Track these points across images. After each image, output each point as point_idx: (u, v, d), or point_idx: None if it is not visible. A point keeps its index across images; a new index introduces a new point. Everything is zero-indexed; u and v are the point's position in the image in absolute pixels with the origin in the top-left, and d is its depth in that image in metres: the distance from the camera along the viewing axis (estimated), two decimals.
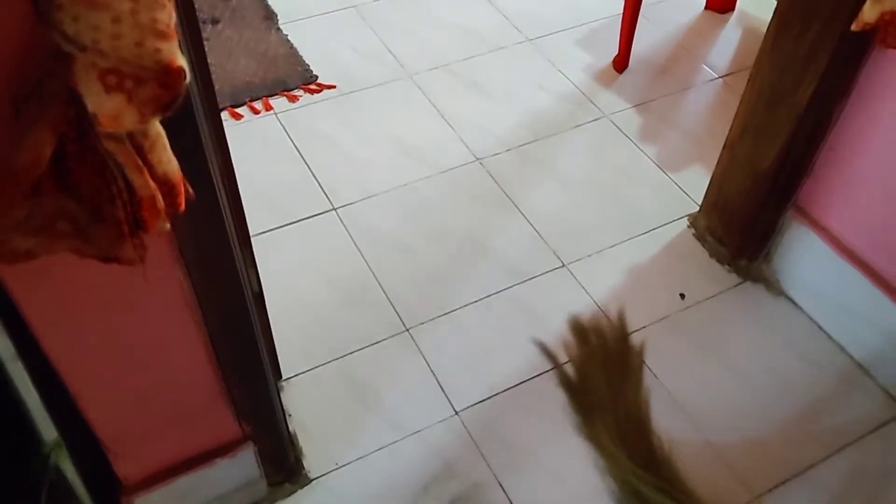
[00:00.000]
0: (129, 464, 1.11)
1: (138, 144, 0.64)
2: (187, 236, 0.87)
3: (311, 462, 1.39)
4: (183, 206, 0.72)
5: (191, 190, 0.74)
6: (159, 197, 0.68)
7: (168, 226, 0.70)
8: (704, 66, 2.23)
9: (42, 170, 0.62)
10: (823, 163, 1.50)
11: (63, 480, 1.01)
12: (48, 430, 0.94)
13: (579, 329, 1.20)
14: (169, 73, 0.58)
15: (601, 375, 1.21)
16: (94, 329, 0.88)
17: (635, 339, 1.34)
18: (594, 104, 2.10)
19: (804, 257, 1.60)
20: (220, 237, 0.91)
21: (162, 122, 0.67)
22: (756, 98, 1.50)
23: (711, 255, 1.75)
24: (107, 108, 0.59)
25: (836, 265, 1.53)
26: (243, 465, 1.24)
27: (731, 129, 1.61)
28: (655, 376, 1.53)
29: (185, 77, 0.60)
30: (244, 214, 1.17)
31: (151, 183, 0.67)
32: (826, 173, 1.51)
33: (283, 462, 1.33)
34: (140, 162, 0.65)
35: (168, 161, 0.68)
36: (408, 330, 1.60)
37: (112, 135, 0.62)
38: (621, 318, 1.48)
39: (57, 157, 0.64)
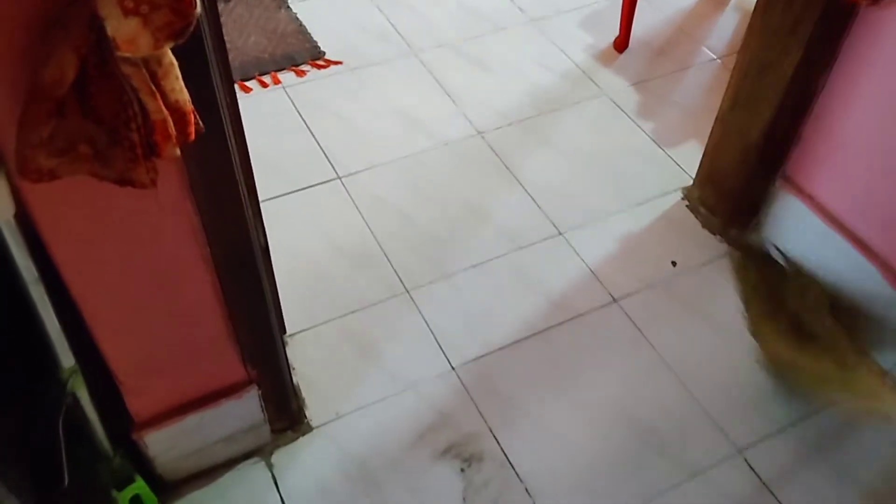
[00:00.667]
0: (139, 399, 1.18)
1: (152, 71, 0.71)
2: (197, 173, 0.94)
3: (313, 412, 1.46)
4: (193, 136, 0.79)
5: (200, 122, 0.81)
6: (171, 123, 0.75)
7: (178, 152, 0.77)
8: (703, 48, 2.28)
9: (65, 90, 0.69)
10: (809, 132, 1.55)
11: (78, 408, 1.08)
12: (66, 357, 1.01)
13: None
14: (181, 0, 0.65)
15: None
16: (109, 256, 0.95)
17: None
18: (594, 82, 2.16)
19: (791, 225, 1.66)
20: (227, 177, 0.98)
21: (176, 56, 0.73)
22: (745, 70, 1.56)
23: (704, 226, 1.80)
24: (124, 31, 0.65)
25: (820, 231, 1.58)
26: (248, 408, 1.30)
27: (722, 102, 1.67)
28: (645, 337, 1.59)
29: (195, 6, 0.67)
30: (252, 168, 1.23)
31: (164, 108, 0.73)
32: (812, 142, 1.56)
33: (286, 408, 1.39)
34: (153, 87, 0.72)
35: (180, 90, 0.75)
36: (408, 291, 1.66)
37: (129, 59, 0.68)
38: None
39: (79, 82, 0.71)
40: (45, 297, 0.92)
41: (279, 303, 1.46)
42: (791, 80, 1.46)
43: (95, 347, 1.07)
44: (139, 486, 1.21)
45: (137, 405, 1.18)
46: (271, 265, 1.35)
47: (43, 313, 0.93)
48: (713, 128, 1.72)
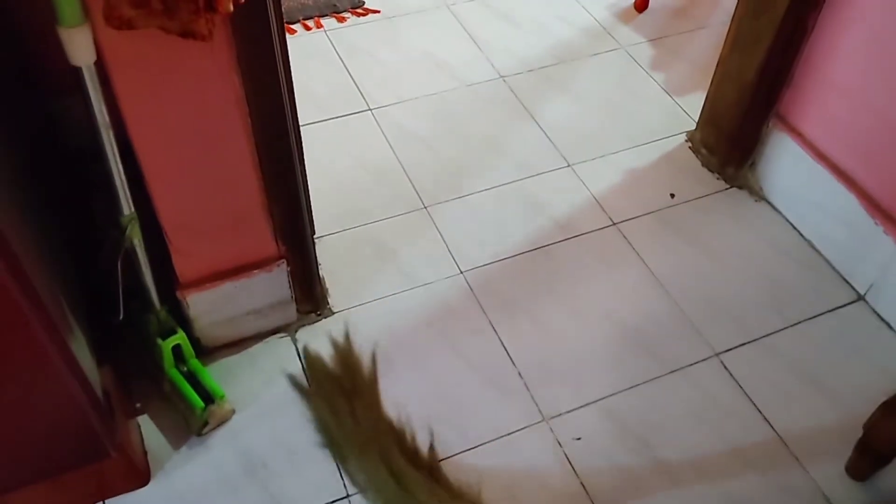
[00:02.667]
0: (184, 260, 1.37)
1: None
2: (243, 49, 1.12)
3: (335, 300, 1.64)
4: None
5: None
6: None
7: (231, 7, 0.95)
8: (720, 9, 2.41)
9: None
10: (801, 71, 1.68)
11: (134, 254, 1.27)
12: (127, 204, 1.20)
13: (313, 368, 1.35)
14: None
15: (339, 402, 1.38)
16: (166, 111, 1.13)
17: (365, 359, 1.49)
18: (612, 37, 2.31)
19: (783, 163, 1.79)
20: (268, 56, 1.16)
21: None
22: (743, 12, 1.69)
23: (703, 164, 1.94)
24: None
25: (810, 167, 1.71)
26: (277, 283, 1.49)
27: (723, 46, 1.80)
28: (639, 255, 1.74)
29: None
30: (290, 69, 1.40)
31: None
32: (803, 81, 1.69)
33: (311, 292, 1.57)
34: None
35: None
36: (425, 207, 1.83)
37: None
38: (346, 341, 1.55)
39: None
40: (114, 144, 1.11)
41: (310, 208, 1.63)
42: (783, 20, 1.60)
43: (151, 206, 1.26)
44: (181, 337, 1.40)
45: (182, 265, 1.37)
46: (303, 153, 1.48)
47: (110, 158, 1.12)
48: (715, 71, 1.85)
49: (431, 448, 1.39)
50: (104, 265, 1.25)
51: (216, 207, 1.31)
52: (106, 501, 1.32)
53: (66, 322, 1.13)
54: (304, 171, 1.44)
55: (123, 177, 1.17)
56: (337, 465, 1.38)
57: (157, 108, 1.13)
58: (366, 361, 1.48)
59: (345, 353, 1.49)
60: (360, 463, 1.35)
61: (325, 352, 1.54)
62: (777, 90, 1.73)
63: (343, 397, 1.45)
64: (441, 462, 1.37)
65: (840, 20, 1.56)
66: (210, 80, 1.13)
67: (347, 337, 1.56)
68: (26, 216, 1.12)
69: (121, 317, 1.26)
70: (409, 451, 1.39)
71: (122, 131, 1.15)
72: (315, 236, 1.73)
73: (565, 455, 1.41)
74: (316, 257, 1.56)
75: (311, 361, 1.50)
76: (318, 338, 1.57)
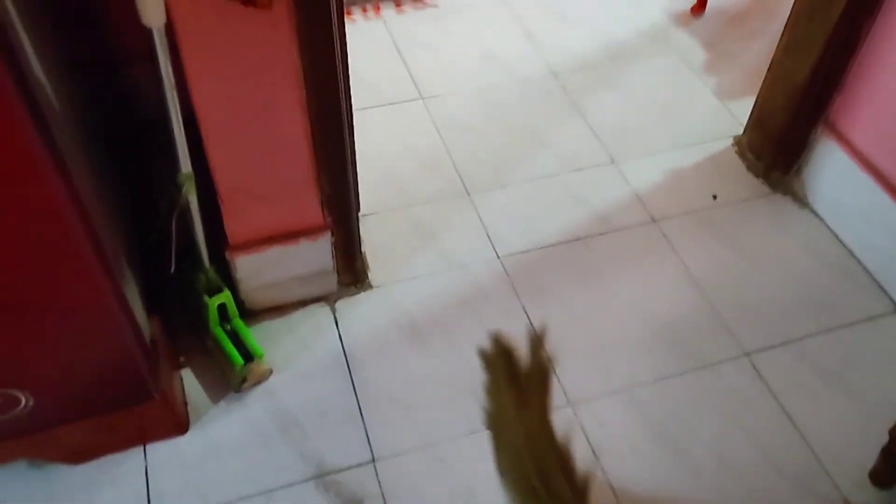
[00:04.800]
0: (235, 222, 1.43)
1: None
2: (303, 24, 1.18)
3: (375, 275, 1.69)
4: None
5: None
6: None
7: None
8: (777, 18, 2.39)
9: None
10: (853, 78, 1.68)
11: (188, 213, 1.35)
12: (185, 163, 1.27)
13: (495, 351, 1.21)
14: None
15: (508, 400, 1.23)
16: (228, 75, 1.20)
17: (545, 361, 1.37)
18: (667, 40, 2.32)
19: (829, 170, 1.78)
20: (326, 32, 1.21)
21: None
22: (797, 17, 1.70)
23: (748, 168, 1.94)
24: None
25: (855, 176, 1.71)
26: (321, 252, 1.55)
27: (776, 50, 1.81)
28: (676, 253, 1.75)
29: None
30: (346, 45, 1.46)
31: None
32: (855, 88, 1.68)
33: (352, 264, 1.63)
34: None
35: None
36: (468, 194, 1.88)
37: None
38: (538, 338, 1.45)
39: None
40: (177, 104, 1.18)
41: (357, 186, 1.69)
42: (836, 25, 1.60)
43: (208, 170, 1.33)
44: (226, 296, 1.47)
45: (233, 227, 1.44)
46: (353, 128, 1.53)
47: (173, 117, 1.19)
48: (766, 75, 1.86)
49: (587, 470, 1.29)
50: (160, 222, 1.32)
51: (268, 174, 1.38)
52: (146, 447, 1.40)
53: (122, 270, 1.20)
54: (354, 146, 1.49)
55: (184, 135, 1.24)
56: (365, 431, 1.43)
57: (219, 74, 1.19)
58: (547, 363, 1.39)
59: (534, 342, 1.37)
60: (511, 454, 1.30)
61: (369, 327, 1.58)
62: (827, 96, 1.73)
63: (515, 383, 1.37)
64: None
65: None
66: (269, 49, 1.19)
67: (542, 331, 1.52)
68: (95, 174, 1.20)
69: (172, 270, 1.33)
70: (565, 463, 1.32)
71: (186, 99, 1.22)
72: (360, 214, 1.79)
73: (587, 440, 1.44)
74: (359, 232, 1.62)
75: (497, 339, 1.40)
76: (356, 310, 1.63)
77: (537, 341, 1.40)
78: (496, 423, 1.36)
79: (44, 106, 0.94)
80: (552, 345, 1.54)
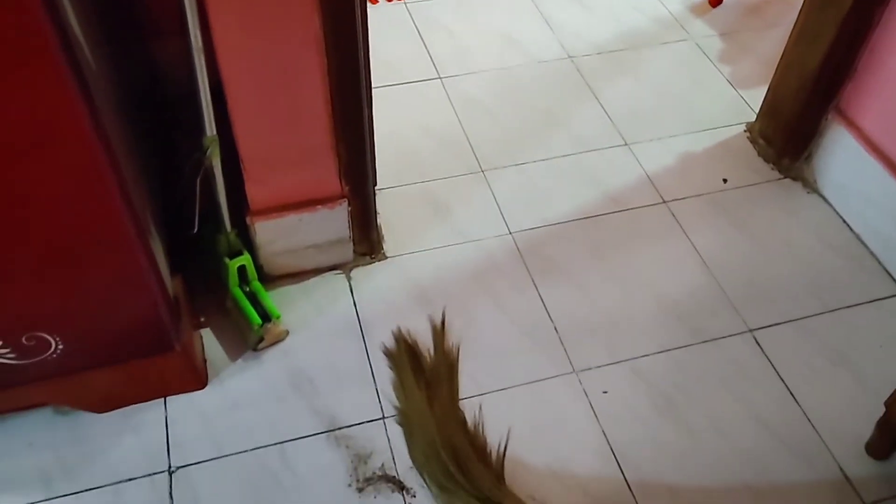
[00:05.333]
0: (256, 188, 1.49)
1: None
2: None
3: (389, 247, 1.75)
4: None
5: None
6: None
7: None
8: (795, 9, 2.41)
9: None
10: (864, 65, 1.70)
11: (212, 176, 1.40)
12: (210, 126, 1.33)
13: (399, 349, 1.31)
14: None
15: (417, 394, 1.36)
16: (252, 44, 1.25)
17: (450, 352, 1.44)
18: (683, 28, 2.35)
19: (838, 156, 1.81)
20: (349, 2, 1.27)
21: None
22: (811, 3, 1.72)
23: (759, 155, 1.97)
24: None
25: (864, 161, 1.73)
26: (338, 221, 1.60)
27: (789, 38, 1.83)
28: (685, 233, 1.79)
29: None
30: (367, 16, 1.50)
31: None
32: (865, 75, 1.71)
33: (368, 234, 1.68)
34: None
35: None
36: (483, 171, 1.92)
37: None
38: (441, 331, 1.51)
39: None
40: (204, 67, 1.24)
41: (374, 161, 1.73)
42: (849, 13, 1.63)
43: (232, 138, 1.39)
44: (246, 258, 1.53)
45: (254, 193, 1.50)
46: (371, 101, 1.57)
47: (199, 80, 1.25)
48: (778, 62, 1.88)
49: (500, 451, 1.38)
50: (185, 183, 1.38)
51: (289, 141, 1.43)
52: (166, 399, 1.46)
53: (149, 227, 1.26)
54: (372, 118, 1.54)
55: (210, 99, 1.29)
56: (377, 390, 1.49)
57: (245, 41, 1.25)
58: (452, 353, 1.46)
59: (437, 334, 1.48)
60: (424, 446, 1.37)
61: (382, 294, 1.64)
62: (838, 83, 1.75)
63: (421, 377, 1.46)
64: (504, 466, 1.38)
65: None
66: (292, 16, 1.24)
67: (443, 323, 1.58)
68: (126, 136, 1.26)
69: (195, 230, 1.39)
70: (478, 448, 1.39)
71: (213, 71, 1.28)
72: (376, 187, 1.85)
73: (591, 405, 1.48)
74: (375, 203, 1.67)
75: (399, 336, 1.52)
76: (371, 279, 1.68)
77: (440, 334, 1.47)
78: (408, 418, 1.42)
79: (83, 62, 1.00)
80: (455, 337, 1.57)
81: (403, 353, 1.51)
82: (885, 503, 1.37)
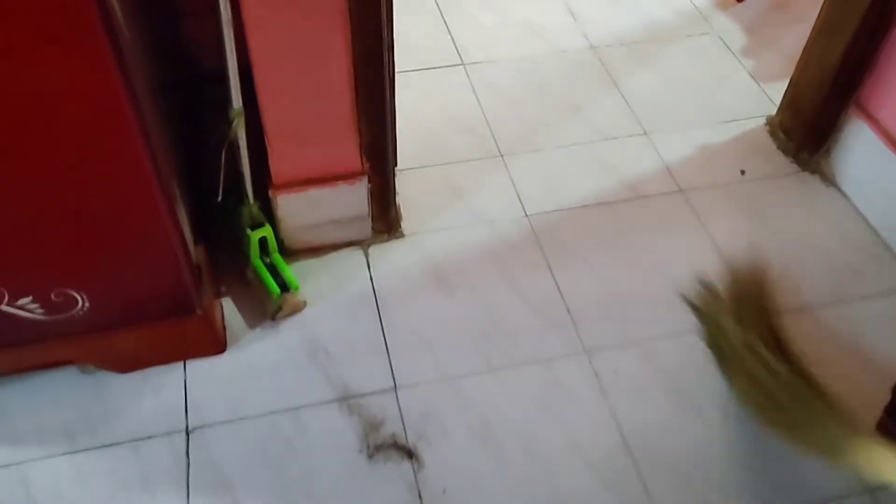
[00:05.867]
0: (280, 162, 1.53)
1: None
2: None
3: (407, 225, 1.78)
4: None
5: None
6: None
7: None
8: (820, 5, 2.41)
9: None
10: (885, 59, 1.71)
11: (236, 148, 1.45)
12: (237, 98, 1.37)
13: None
14: None
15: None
16: (278, 19, 1.29)
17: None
18: (708, 22, 2.36)
19: (858, 150, 1.81)
20: None
21: None
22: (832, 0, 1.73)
23: (779, 148, 1.98)
24: None
25: (883, 156, 1.74)
26: (357, 197, 1.64)
27: (811, 31, 1.84)
28: (700, 222, 1.81)
29: None
30: (393, 7, 1.54)
31: None
32: (886, 69, 1.71)
33: (387, 212, 1.72)
34: None
35: None
36: (501, 156, 1.95)
37: None
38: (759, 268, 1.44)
39: None
40: (231, 38, 1.28)
41: (395, 140, 1.77)
42: (870, 6, 1.63)
43: (257, 112, 1.43)
44: (267, 230, 1.57)
45: (277, 166, 1.54)
46: (394, 80, 1.60)
47: (227, 51, 1.29)
48: (801, 55, 1.89)
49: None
50: (211, 155, 1.42)
51: (312, 116, 1.47)
52: (186, 363, 1.51)
53: (176, 194, 1.31)
54: (394, 97, 1.58)
55: (237, 71, 1.33)
56: (389, 361, 1.53)
57: (272, 16, 1.29)
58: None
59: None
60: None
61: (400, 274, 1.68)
62: (859, 77, 1.76)
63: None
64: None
65: None
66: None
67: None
68: (157, 111, 1.30)
69: (219, 198, 1.44)
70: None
71: (241, 50, 1.32)
72: (396, 167, 1.88)
73: (599, 384, 1.51)
74: (395, 182, 1.71)
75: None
76: (388, 255, 1.72)
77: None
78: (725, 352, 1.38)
79: (121, 37, 1.04)
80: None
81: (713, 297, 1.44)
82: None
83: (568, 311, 1.63)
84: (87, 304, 1.28)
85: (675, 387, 1.51)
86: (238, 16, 1.29)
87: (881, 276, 1.71)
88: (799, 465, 1.41)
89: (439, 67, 2.19)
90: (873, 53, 1.71)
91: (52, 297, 1.24)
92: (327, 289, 1.65)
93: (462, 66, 2.19)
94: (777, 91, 2.12)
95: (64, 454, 1.39)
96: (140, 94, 1.10)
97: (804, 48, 1.88)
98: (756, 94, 2.14)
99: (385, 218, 1.73)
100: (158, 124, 1.27)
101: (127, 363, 1.45)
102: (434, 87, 2.13)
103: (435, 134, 2.01)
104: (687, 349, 1.56)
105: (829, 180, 1.90)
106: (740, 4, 2.43)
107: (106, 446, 1.40)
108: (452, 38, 2.27)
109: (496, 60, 2.21)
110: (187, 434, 1.42)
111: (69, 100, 1.03)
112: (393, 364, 1.52)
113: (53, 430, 1.42)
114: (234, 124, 1.40)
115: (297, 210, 1.62)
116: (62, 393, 1.46)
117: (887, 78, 1.72)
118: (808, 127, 1.89)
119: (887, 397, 1.40)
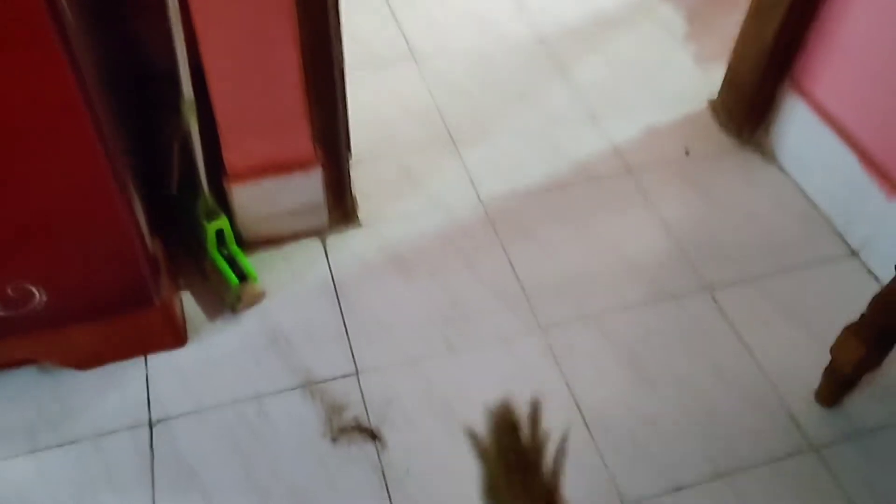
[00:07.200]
0: (233, 153, 1.54)
1: None
2: None
3: (364, 214, 1.80)
4: None
5: None
6: None
7: None
8: None
9: None
10: (815, 36, 1.78)
11: (189, 140, 1.46)
12: (187, 89, 1.38)
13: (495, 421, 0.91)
14: None
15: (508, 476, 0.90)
16: (227, 11, 1.31)
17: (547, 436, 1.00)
18: (651, 11, 2.43)
19: (794, 125, 1.89)
20: None
21: None
22: None
23: (721, 128, 2.05)
24: None
25: (817, 129, 1.81)
26: (313, 186, 1.66)
27: (746, 14, 1.91)
28: (648, 200, 1.86)
29: None
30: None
31: None
32: (816, 46, 1.79)
33: (343, 201, 1.74)
34: None
35: None
36: (454, 144, 1.99)
37: None
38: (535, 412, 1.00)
39: None
40: (180, 30, 1.29)
41: (348, 131, 1.78)
42: None
43: (209, 104, 1.44)
44: (223, 222, 1.58)
45: (231, 157, 1.55)
46: (343, 68, 1.61)
47: (177, 44, 1.30)
48: (737, 37, 1.96)
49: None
50: (164, 147, 1.43)
51: (263, 106, 1.49)
52: (147, 358, 1.51)
53: (131, 187, 1.31)
54: (344, 86, 1.60)
55: (187, 63, 1.35)
56: (350, 347, 1.55)
57: (220, 9, 1.30)
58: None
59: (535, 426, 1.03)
60: None
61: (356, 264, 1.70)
62: (792, 55, 1.83)
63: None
64: None
65: None
66: None
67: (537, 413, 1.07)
68: (110, 107, 1.31)
69: (174, 191, 1.44)
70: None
71: (191, 45, 1.33)
72: (351, 158, 1.90)
73: (555, 360, 1.55)
74: (349, 170, 1.73)
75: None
76: (346, 244, 1.74)
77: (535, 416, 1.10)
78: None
79: (71, 34, 1.05)
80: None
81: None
82: (832, 447, 1.45)
83: (523, 290, 1.67)
84: (44, 298, 1.28)
85: (627, 358, 1.56)
86: (186, 8, 1.30)
87: (820, 245, 1.78)
88: (750, 428, 1.47)
89: (391, 61, 2.22)
90: (804, 32, 1.79)
91: (9, 291, 1.24)
92: (286, 279, 1.66)
93: (413, 60, 2.22)
94: (718, 73, 2.18)
95: (26, 453, 1.38)
96: (93, 92, 1.11)
97: (740, 31, 1.95)
98: (698, 78, 2.21)
99: (341, 207, 1.76)
100: (112, 120, 1.28)
101: (87, 359, 1.45)
102: (387, 80, 2.16)
103: (389, 125, 2.03)
104: (638, 323, 1.62)
105: (769, 156, 1.97)
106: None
107: (68, 443, 1.40)
108: (403, 33, 2.30)
109: (446, 52, 2.25)
110: (150, 427, 1.43)
111: (22, 98, 1.04)
112: (354, 349, 1.54)
113: (14, 430, 1.41)
114: (185, 115, 1.41)
115: (253, 200, 1.63)
116: (22, 392, 1.45)
117: (819, 56, 1.80)
118: (747, 106, 1.97)
119: (827, 359, 1.47)
